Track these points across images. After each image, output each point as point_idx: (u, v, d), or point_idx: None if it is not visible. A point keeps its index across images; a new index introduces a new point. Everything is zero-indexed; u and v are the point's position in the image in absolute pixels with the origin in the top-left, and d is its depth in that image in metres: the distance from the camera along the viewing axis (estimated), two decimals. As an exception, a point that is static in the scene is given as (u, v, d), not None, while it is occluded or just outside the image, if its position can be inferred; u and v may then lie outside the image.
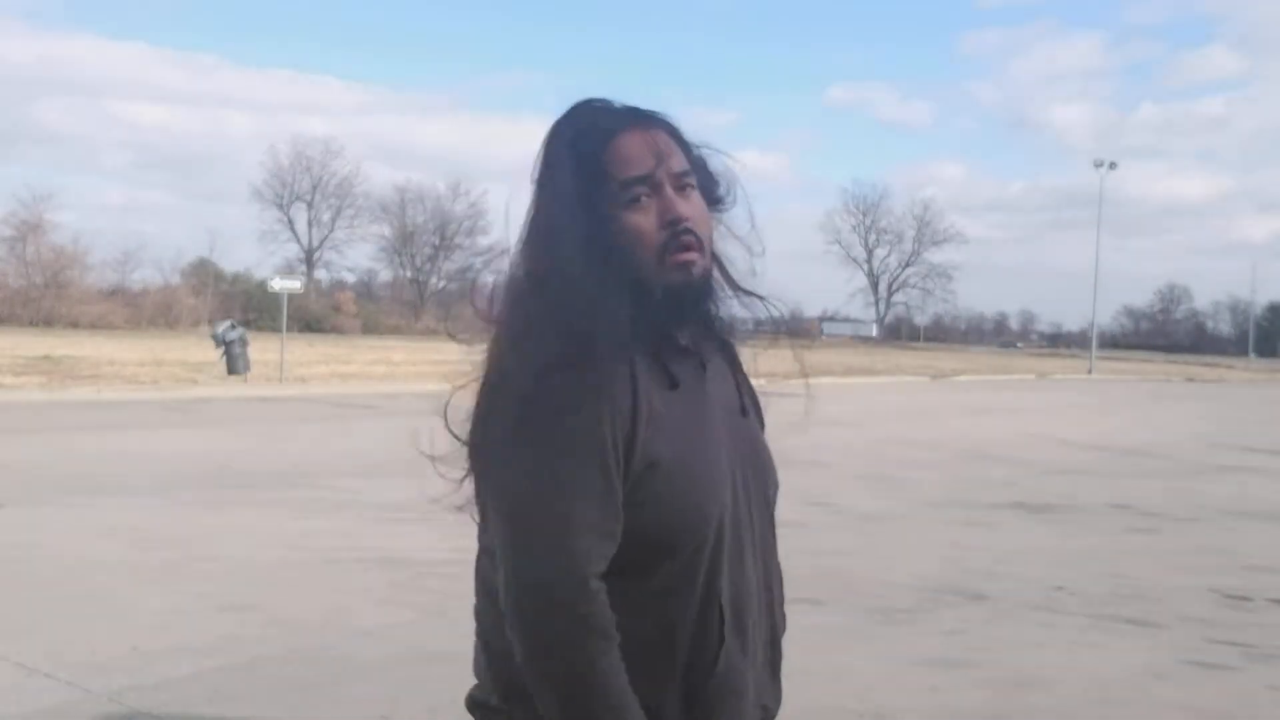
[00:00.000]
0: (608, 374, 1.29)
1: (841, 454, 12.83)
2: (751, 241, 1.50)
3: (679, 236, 1.35)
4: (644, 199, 1.35)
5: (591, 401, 1.28)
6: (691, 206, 1.38)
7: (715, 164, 1.49)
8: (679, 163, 1.38)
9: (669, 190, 1.36)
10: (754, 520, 1.44)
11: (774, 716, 1.51)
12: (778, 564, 1.52)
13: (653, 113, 1.42)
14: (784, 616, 1.55)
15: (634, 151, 1.36)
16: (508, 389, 1.32)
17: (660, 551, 1.33)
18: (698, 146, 1.46)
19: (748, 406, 1.50)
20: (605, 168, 1.35)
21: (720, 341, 1.50)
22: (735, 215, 1.51)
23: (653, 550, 1.32)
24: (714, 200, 1.48)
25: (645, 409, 1.31)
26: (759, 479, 1.46)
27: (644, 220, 1.35)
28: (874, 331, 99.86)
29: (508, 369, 1.33)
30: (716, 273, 1.45)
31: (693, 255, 1.36)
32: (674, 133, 1.42)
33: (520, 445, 1.30)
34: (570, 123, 1.40)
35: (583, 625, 1.26)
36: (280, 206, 77.86)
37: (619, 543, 1.30)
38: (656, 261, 1.35)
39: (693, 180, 1.40)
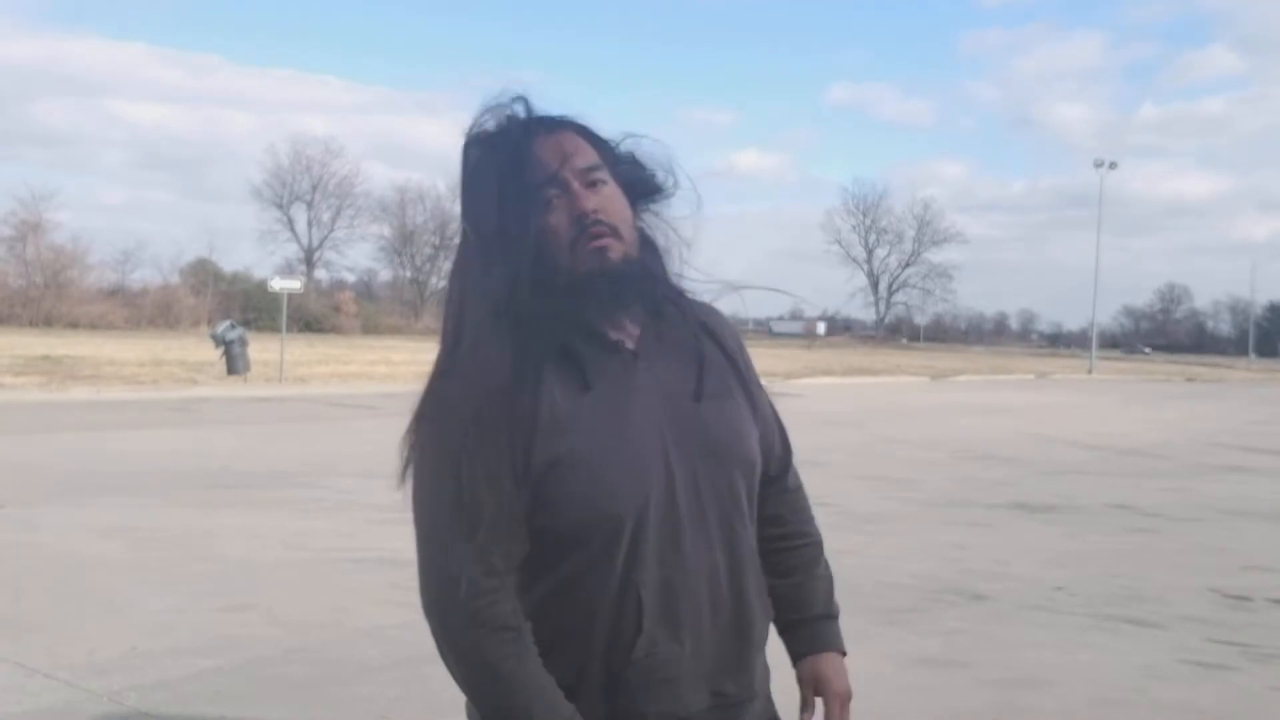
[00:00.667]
0: (506, 381, 1.35)
1: (841, 454, 12.84)
2: (688, 227, 1.54)
3: (588, 229, 1.40)
4: (554, 200, 1.41)
5: (486, 410, 1.34)
6: (601, 199, 1.42)
7: (647, 151, 1.52)
8: (585, 159, 1.43)
9: (576, 187, 1.41)
10: (705, 509, 1.44)
11: (741, 702, 1.49)
12: (751, 551, 1.51)
13: (558, 117, 1.47)
14: (766, 604, 1.54)
15: (540, 157, 1.41)
16: (421, 395, 1.43)
17: (568, 544, 1.39)
18: (617, 142, 1.50)
19: (707, 391, 1.47)
20: (515, 177, 1.41)
21: (696, 324, 1.52)
22: (687, 203, 1.55)
23: (561, 543, 1.39)
24: (653, 189, 1.52)
25: (546, 412, 1.37)
26: (715, 466, 1.45)
27: (556, 219, 1.40)
28: (822, 330, 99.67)
29: (429, 376, 1.44)
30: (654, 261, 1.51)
31: (605, 241, 1.40)
32: (583, 131, 1.47)
33: (423, 452, 1.40)
34: (478, 139, 1.45)
35: (475, 620, 1.35)
36: (280, 206, 78.00)
37: (525, 538, 1.38)
38: (570, 256, 1.40)
39: (602, 175, 1.44)
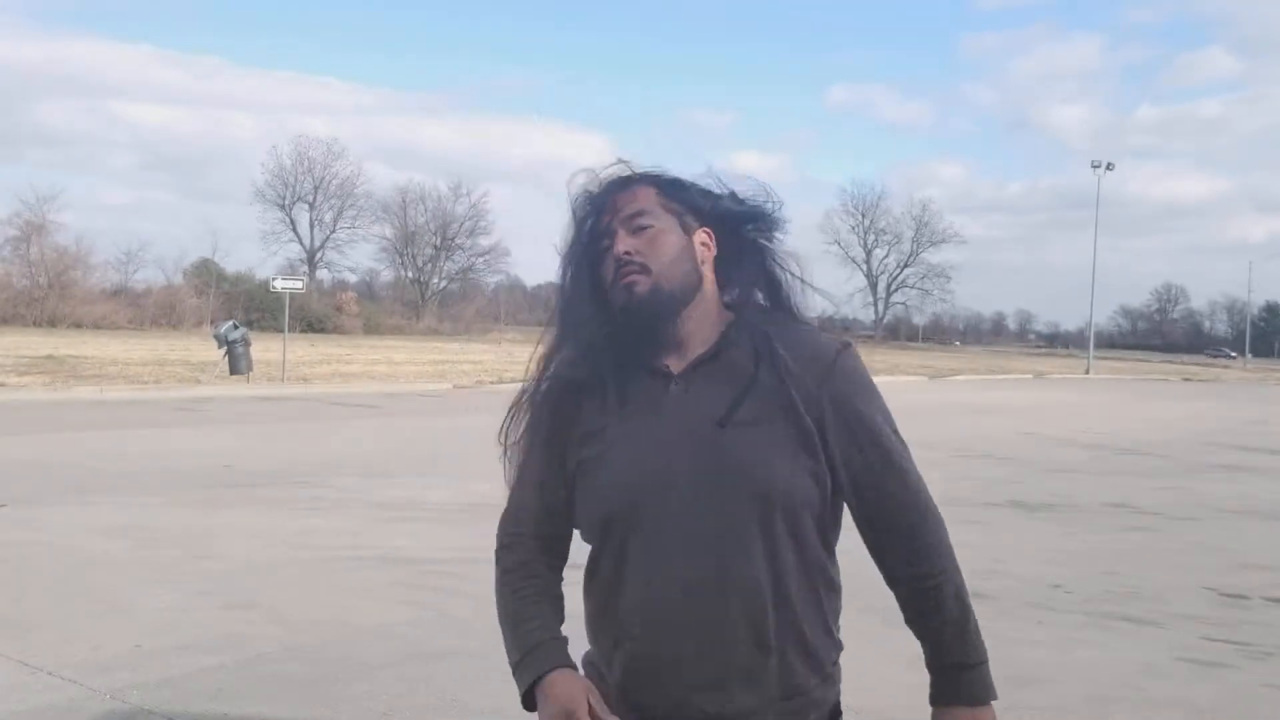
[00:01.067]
0: (559, 392, 1.65)
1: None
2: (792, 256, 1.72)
3: (620, 268, 1.59)
4: (606, 249, 1.62)
5: (546, 413, 1.66)
6: (639, 240, 1.60)
7: (747, 189, 1.69)
8: (633, 208, 1.62)
9: (619, 233, 1.61)
10: (700, 527, 1.52)
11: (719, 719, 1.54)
12: (747, 578, 1.53)
13: (632, 174, 1.66)
14: (764, 634, 1.54)
15: (602, 215, 1.63)
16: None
17: (586, 540, 1.65)
18: (693, 184, 1.67)
19: (739, 417, 1.54)
20: (583, 235, 1.65)
21: (765, 348, 1.58)
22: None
23: (586, 539, 1.65)
24: (751, 218, 1.68)
25: (581, 425, 1.62)
26: (722, 489, 1.52)
27: (606, 266, 1.62)
28: None
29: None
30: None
31: (631, 278, 1.58)
32: (657, 182, 1.66)
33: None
34: (573, 202, 1.68)
35: (497, 561, 1.71)
36: (282, 207, 77.99)
37: (553, 521, 1.67)
38: (612, 293, 1.61)
39: (648, 219, 1.62)
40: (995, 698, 1.63)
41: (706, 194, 1.67)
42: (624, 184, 1.65)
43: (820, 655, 1.61)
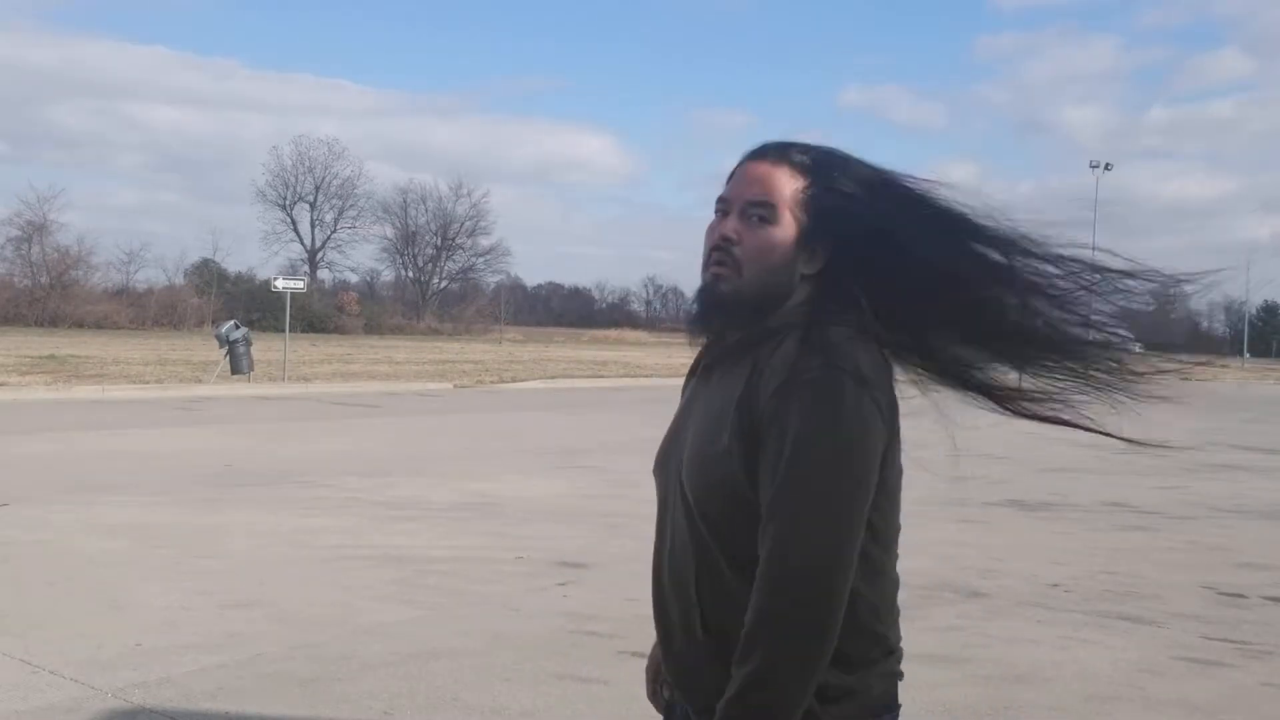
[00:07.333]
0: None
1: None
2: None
3: (712, 252, 1.51)
4: (720, 215, 1.54)
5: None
6: (742, 231, 1.50)
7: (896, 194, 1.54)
8: (757, 194, 1.50)
9: (733, 213, 1.51)
10: (671, 514, 1.57)
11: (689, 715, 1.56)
12: (691, 561, 1.50)
13: (787, 149, 1.54)
14: (692, 622, 1.51)
15: (735, 178, 1.55)
16: None
17: None
18: (857, 170, 1.54)
19: (702, 414, 1.53)
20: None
21: (763, 358, 1.47)
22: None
23: None
24: (864, 230, 1.51)
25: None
26: (668, 479, 1.59)
27: (710, 233, 1.54)
28: None
29: None
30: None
31: (716, 270, 1.50)
32: (809, 168, 1.52)
33: None
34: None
35: None
36: (283, 207, 78.01)
37: None
38: (702, 269, 1.55)
39: (769, 214, 1.49)
40: None
41: (856, 194, 1.51)
42: (772, 155, 1.53)
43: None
